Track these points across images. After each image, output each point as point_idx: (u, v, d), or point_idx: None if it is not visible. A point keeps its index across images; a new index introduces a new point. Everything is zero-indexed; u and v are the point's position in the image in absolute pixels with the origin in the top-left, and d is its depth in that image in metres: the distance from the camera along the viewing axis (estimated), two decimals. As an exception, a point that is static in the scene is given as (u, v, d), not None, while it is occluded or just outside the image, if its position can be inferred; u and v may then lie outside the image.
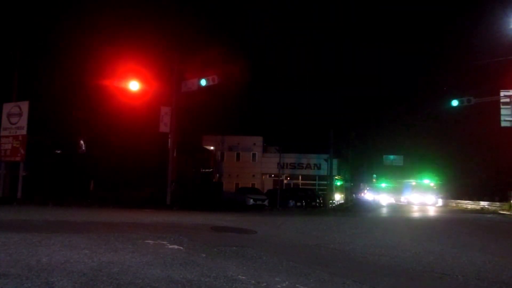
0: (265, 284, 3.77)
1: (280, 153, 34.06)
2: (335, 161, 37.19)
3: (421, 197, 54.42)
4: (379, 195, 67.62)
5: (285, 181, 40.95)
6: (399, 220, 17.36)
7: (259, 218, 13.36)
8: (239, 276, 3.96)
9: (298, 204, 30.30)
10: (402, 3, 79.33)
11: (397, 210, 31.73)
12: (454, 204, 45.56)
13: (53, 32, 21.31)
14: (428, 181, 58.48)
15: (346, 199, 47.32)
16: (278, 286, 3.75)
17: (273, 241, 7.58)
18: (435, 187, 57.03)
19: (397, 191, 68.01)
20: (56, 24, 21.52)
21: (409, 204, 51.97)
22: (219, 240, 6.80)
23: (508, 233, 13.28)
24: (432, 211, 29.27)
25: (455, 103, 22.51)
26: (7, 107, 17.42)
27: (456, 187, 51.75)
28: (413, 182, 59.80)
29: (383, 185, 71.84)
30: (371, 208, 34.04)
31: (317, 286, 3.95)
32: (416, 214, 24.57)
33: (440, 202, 50.41)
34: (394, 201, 62.63)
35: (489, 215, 24.14)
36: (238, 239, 7.07)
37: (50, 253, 4.44)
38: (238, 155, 42.01)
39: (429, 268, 5.48)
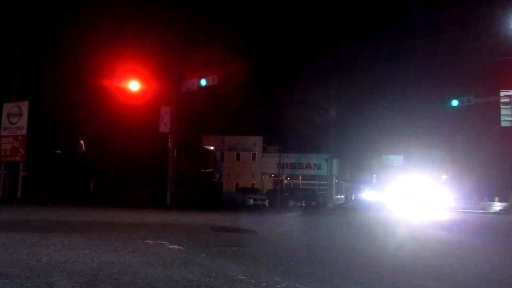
0: (265, 284, 3.76)
1: (280, 153, 34.07)
2: (335, 161, 37.17)
3: (429, 198, 38.56)
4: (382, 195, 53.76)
5: (285, 181, 40.95)
6: (399, 220, 17.35)
7: (259, 218, 13.36)
8: (239, 276, 3.96)
9: (298, 204, 30.31)
10: (402, 2, 79.31)
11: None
12: None
13: (53, 32, 21.32)
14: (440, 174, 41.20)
15: (346, 199, 47.30)
16: (278, 286, 3.75)
17: (273, 241, 7.58)
18: (447, 181, 40.85)
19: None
20: (56, 24, 21.54)
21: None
22: (219, 240, 6.79)
23: (508, 233, 13.28)
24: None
25: (455, 103, 22.52)
26: (7, 107, 17.42)
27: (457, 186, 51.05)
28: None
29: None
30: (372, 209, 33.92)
31: (317, 286, 3.95)
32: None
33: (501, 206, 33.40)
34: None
35: (489, 215, 24.12)
36: (238, 239, 7.07)
37: (50, 253, 4.44)
38: (238, 155, 41.99)
39: (429, 268, 5.48)
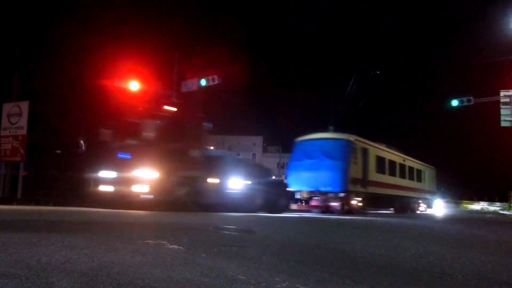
0: (265, 284, 3.76)
1: (280, 153, 34.10)
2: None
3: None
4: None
5: (285, 181, 40.98)
6: (399, 219, 17.36)
7: (259, 218, 13.35)
8: (239, 276, 3.95)
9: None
10: (402, 3, 79.37)
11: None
12: None
13: (53, 32, 21.34)
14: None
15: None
16: (278, 286, 3.74)
17: (273, 241, 7.57)
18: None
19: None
20: (56, 23, 21.56)
21: None
22: (219, 240, 6.79)
23: (508, 234, 13.28)
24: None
25: (455, 103, 22.58)
26: (7, 107, 17.43)
27: (456, 185, 51.08)
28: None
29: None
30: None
31: (317, 286, 3.95)
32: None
33: None
34: None
35: (489, 215, 24.11)
36: (238, 239, 7.06)
37: (50, 253, 4.43)
38: (238, 155, 42.07)
39: (429, 268, 5.48)
